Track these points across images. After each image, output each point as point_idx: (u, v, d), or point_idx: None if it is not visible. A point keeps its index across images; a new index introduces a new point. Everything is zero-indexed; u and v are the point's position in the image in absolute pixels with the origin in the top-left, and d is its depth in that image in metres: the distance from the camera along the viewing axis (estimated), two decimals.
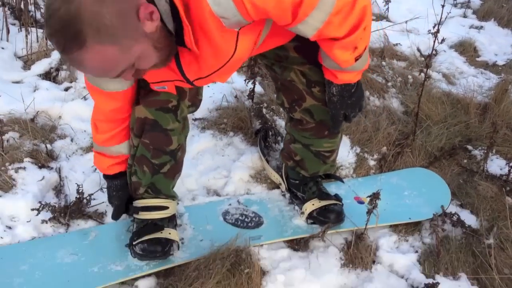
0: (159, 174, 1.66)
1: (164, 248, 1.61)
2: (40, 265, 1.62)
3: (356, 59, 1.42)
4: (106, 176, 1.77)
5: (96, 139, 1.69)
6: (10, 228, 1.78)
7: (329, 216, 1.78)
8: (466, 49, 3.11)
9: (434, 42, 2.05)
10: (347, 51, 1.38)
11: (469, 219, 1.92)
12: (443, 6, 1.99)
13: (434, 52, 2.09)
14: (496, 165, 2.19)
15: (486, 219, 1.92)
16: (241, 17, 1.19)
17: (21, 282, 1.56)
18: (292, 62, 1.62)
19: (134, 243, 1.63)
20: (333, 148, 1.80)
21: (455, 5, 3.70)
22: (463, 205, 2.01)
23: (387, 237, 1.84)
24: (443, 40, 2.06)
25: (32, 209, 1.79)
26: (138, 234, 1.64)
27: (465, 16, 3.55)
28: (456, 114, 2.45)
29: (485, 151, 2.16)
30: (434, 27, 2.04)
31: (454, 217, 1.85)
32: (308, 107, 1.67)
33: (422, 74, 2.15)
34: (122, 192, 1.74)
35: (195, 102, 1.68)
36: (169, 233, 1.65)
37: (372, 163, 2.19)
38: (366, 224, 1.76)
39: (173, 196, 1.75)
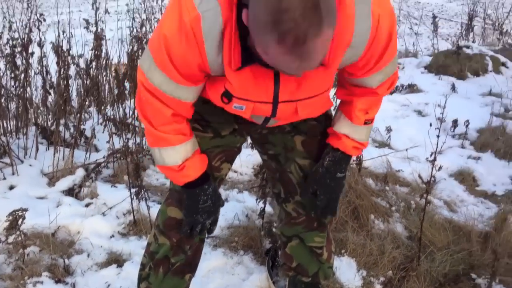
0: (169, 273, 1.70)
1: None
2: None
3: (365, 122, 1.57)
4: (191, 186, 1.55)
5: (170, 141, 1.45)
6: None
7: None
8: (465, 178, 3.27)
9: (432, 169, 2.22)
10: (362, 110, 1.54)
11: None
12: (438, 136, 2.19)
13: (433, 179, 2.25)
14: None
15: None
16: (367, 39, 1.27)
17: None
18: (296, 155, 1.70)
19: None
20: (323, 244, 1.85)
21: (453, 136, 3.94)
22: None
23: None
24: (440, 167, 2.23)
25: None
26: None
27: (463, 146, 3.77)
28: (459, 241, 2.53)
29: (489, 280, 2.21)
30: (431, 155, 2.23)
31: None
32: (300, 200, 1.75)
33: (423, 200, 2.29)
34: (217, 197, 1.63)
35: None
36: None
37: (378, 287, 2.24)
38: None
39: None
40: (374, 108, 1.57)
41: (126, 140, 2.45)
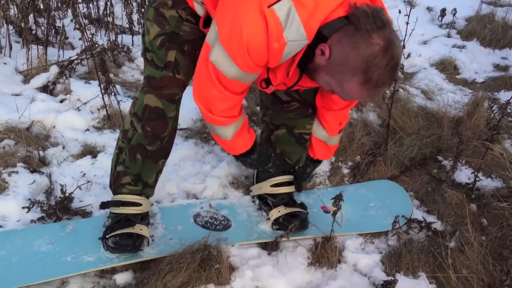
0: (147, 160, 1.77)
1: (134, 242, 1.73)
2: (17, 252, 1.73)
3: (339, 131, 1.91)
4: (245, 154, 1.81)
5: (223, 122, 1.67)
6: (1, 227, 1.91)
7: (293, 222, 1.88)
8: (447, 67, 3.23)
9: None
10: (336, 123, 1.87)
11: (434, 224, 2.02)
12: (407, 23, 2.14)
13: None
14: (464, 175, 2.29)
15: (450, 224, 2.02)
16: None
17: None
18: None
19: (107, 236, 1.74)
20: (311, 131, 1.95)
21: (440, 26, 3.84)
22: (429, 211, 2.11)
23: (354, 239, 1.95)
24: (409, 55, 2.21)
25: (23, 207, 1.92)
26: (112, 228, 1.76)
27: (449, 36, 3.68)
28: (430, 127, 2.57)
29: (453, 161, 2.27)
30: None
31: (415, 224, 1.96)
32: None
33: (392, 88, 2.29)
34: (263, 158, 1.90)
35: None
36: (141, 229, 1.76)
37: (346, 171, 2.31)
38: (332, 227, 1.86)
39: (149, 191, 1.85)
40: (346, 120, 1.92)
41: (91, 36, 2.40)
